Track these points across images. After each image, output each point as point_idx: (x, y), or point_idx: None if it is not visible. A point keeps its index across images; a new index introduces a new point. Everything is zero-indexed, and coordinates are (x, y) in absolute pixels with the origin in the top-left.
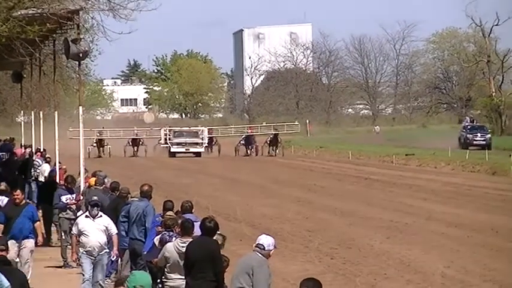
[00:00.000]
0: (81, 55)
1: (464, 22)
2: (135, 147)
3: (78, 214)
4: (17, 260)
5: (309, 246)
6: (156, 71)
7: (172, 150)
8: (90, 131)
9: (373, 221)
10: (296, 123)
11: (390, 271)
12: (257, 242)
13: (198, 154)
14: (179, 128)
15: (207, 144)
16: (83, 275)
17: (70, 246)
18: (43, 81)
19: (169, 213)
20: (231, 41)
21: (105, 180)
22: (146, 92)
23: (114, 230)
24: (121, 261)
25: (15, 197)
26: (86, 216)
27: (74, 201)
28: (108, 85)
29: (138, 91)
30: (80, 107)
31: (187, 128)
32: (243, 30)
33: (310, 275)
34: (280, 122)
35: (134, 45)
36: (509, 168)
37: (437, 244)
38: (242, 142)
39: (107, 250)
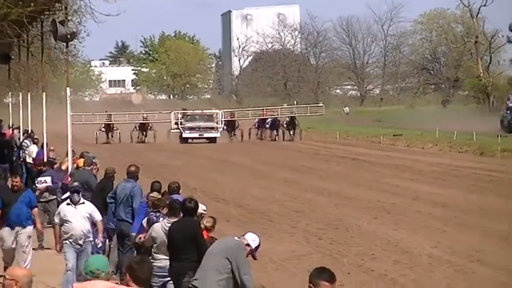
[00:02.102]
0: (68, 36)
1: (452, 3)
2: (144, 132)
3: (64, 197)
4: (14, 246)
5: (297, 226)
6: (144, 52)
7: (184, 135)
8: (92, 115)
9: (360, 202)
10: (321, 104)
11: (377, 251)
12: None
13: (212, 140)
14: (191, 111)
15: (227, 129)
16: (66, 264)
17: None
18: (31, 63)
19: (154, 193)
20: (219, 22)
21: (94, 161)
22: (134, 74)
23: (98, 216)
24: (109, 241)
25: (15, 183)
26: (68, 204)
27: (44, 185)
28: (96, 66)
29: (126, 72)
30: (68, 88)
31: (201, 111)
32: (231, 11)
33: (297, 255)
34: (293, 104)
35: (122, 26)
36: (496, 149)
37: (424, 224)
38: (255, 125)
39: (91, 239)
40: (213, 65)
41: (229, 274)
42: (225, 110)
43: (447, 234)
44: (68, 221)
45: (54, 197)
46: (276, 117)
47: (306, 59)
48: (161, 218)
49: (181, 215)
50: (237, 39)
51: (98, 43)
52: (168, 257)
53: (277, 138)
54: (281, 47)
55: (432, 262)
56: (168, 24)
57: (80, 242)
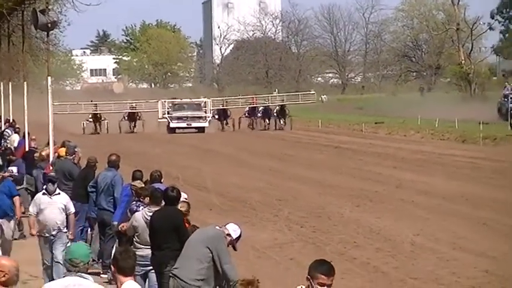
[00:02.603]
0: (49, 25)
1: None
2: (133, 122)
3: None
4: None
5: (279, 215)
6: (125, 41)
7: (172, 125)
8: (77, 105)
9: (343, 190)
10: (312, 92)
11: (360, 239)
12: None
13: (201, 129)
14: (179, 100)
15: (219, 118)
16: (43, 261)
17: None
18: (12, 52)
19: (136, 182)
20: (200, 11)
21: (76, 150)
22: (115, 63)
23: (71, 208)
24: (91, 230)
25: None
26: (43, 194)
27: (8, 173)
28: (77, 55)
29: (107, 61)
30: (49, 78)
31: (189, 100)
32: None
33: (280, 243)
34: (286, 92)
35: (103, 15)
36: (478, 136)
37: (407, 212)
38: (246, 114)
39: (66, 231)
40: (195, 53)
41: (209, 263)
42: (216, 99)
43: (430, 221)
44: (43, 211)
45: (21, 186)
46: (268, 106)
47: (287, 47)
48: (141, 207)
49: (164, 203)
50: (218, 27)
51: (79, 32)
52: (149, 246)
53: (268, 128)
54: (262, 35)
55: (415, 250)
56: (150, 13)
57: (53, 232)
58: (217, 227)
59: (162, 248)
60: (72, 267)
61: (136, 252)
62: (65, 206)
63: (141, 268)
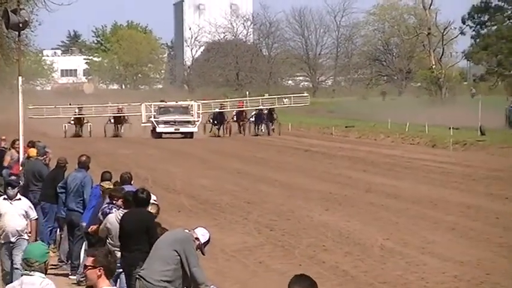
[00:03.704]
0: (21, 25)
1: None
2: (119, 125)
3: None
4: None
5: (248, 217)
6: (96, 42)
7: (158, 130)
8: (55, 109)
9: (312, 193)
10: (305, 94)
11: (329, 243)
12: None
13: (189, 135)
14: (165, 103)
15: (215, 122)
16: (1, 267)
17: None
18: None
19: (105, 183)
20: (171, 12)
21: (47, 150)
22: (86, 63)
23: (33, 214)
24: (60, 231)
25: None
26: (4, 199)
27: None
28: (48, 56)
29: (78, 62)
30: (20, 77)
31: (175, 103)
32: (183, 0)
33: (249, 246)
34: (280, 94)
35: (74, 15)
36: (448, 141)
37: (376, 216)
38: (233, 118)
39: (26, 237)
40: (165, 54)
41: (177, 265)
42: (215, 101)
43: (399, 225)
44: (2, 216)
45: None
46: (262, 110)
47: (258, 49)
48: (114, 209)
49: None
50: (190, 29)
51: (50, 32)
52: None
53: (261, 133)
54: (233, 37)
55: (384, 254)
56: (121, 13)
57: (13, 239)
58: (186, 230)
59: (132, 250)
60: (27, 267)
61: None
62: (26, 212)
63: None
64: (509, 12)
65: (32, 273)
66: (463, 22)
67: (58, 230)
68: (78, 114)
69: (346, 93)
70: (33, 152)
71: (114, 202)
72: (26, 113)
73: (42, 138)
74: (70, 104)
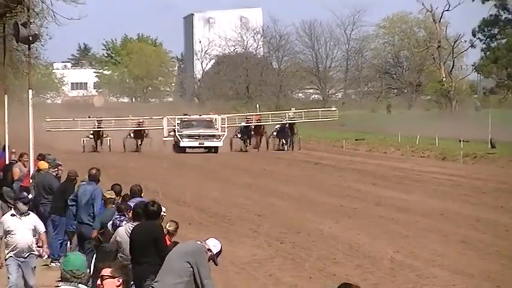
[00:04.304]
0: (31, 38)
1: (415, 7)
2: (139, 140)
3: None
4: None
5: (258, 230)
6: (106, 55)
7: (182, 144)
8: (73, 121)
9: (322, 206)
10: (333, 108)
11: (339, 256)
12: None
13: (214, 149)
14: (188, 117)
15: (243, 137)
16: (9, 278)
17: None
18: None
19: (107, 192)
20: (181, 25)
21: (57, 162)
22: (96, 76)
23: (42, 228)
24: (70, 244)
25: None
26: (12, 215)
27: None
28: (58, 69)
29: (88, 75)
30: (30, 91)
31: (198, 117)
32: (193, 14)
33: (259, 259)
34: (307, 108)
35: (84, 28)
36: (459, 154)
37: (386, 229)
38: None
39: (36, 252)
40: (175, 68)
41: (190, 277)
42: (242, 115)
43: (409, 239)
44: (12, 233)
45: None
46: (286, 124)
47: (268, 62)
48: (124, 222)
49: (144, 218)
50: (199, 42)
51: (60, 45)
52: None
53: (284, 148)
54: (243, 50)
55: (394, 267)
56: (131, 27)
57: (24, 255)
58: (198, 242)
59: (142, 263)
60: (74, 279)
61: None
62: (35, 226)
63: None
64: None
65: (79, 285)
66: (473, 35)
67: (68, 243)
68: (97, 128)
69: (356, 106)
70: (43, 164)
71: (125, 214)
72: (43, 126)
73: (59, 153)
74: (89, 117)
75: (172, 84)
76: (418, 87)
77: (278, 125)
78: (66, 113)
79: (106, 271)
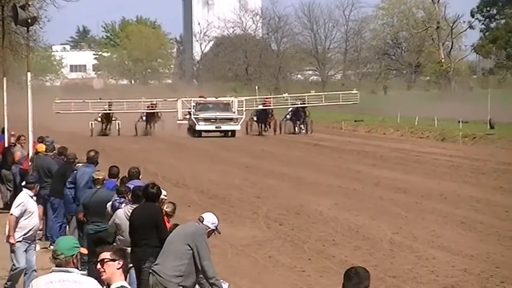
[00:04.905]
0: (29, 21)
1: None
2: (151, 123)
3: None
4: None
5: (258, 212)
6: (105, 37)
7: (198, 127)
8: (83, 103)
9: (321, 187)
10: (355, 91)
11: (338, 237)
12: (200, 215)
13: (231, 133)
14: (203, 99)
15: (258, 120)
16: (14, 264)
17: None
18: None
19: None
20: (180, 7)
21: (54, 145)
22: (95, 58)
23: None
24: (69, 227)
25: None
26: (31, 197)
27: None
28: (57, 51)
29: (87, 57)
30: (28, 73)
31: (214, 99)
32: None
33: (258, 241)
34: (320, 91)
35: (83, 11)
36: (458, 135)
37: (386, 210)
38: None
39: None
40: (174, 50)
41: (190, 259)
42: (255, 97)
43: (408, 220)
44: (32, 215)
45: None
46: (300, 107)
47: (267, 44)
48: (124, 204)
49: (144, 200)
50: (198, 24)
51: (59, 28)
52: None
53: (299, 131)
54: (242, 32)
55: (393, 248)
56: (129, 8)
57: (33, 238)
58: (196, 223)
59: (141, 245)
60: (53, 259)
61: None
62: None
63: None
64: None
65: (70, 269)
66: (472, 16)
67: (67, 225)
68: (108, 110)
69: (355, 87)
70: (41, 147)
71: (125, 197)
72: (53, 108)
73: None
74: (100, 99)
75: (171, 66)
76: (417, 68)
77: (291, 108)
78: (66, 96)
79: (105, 255)
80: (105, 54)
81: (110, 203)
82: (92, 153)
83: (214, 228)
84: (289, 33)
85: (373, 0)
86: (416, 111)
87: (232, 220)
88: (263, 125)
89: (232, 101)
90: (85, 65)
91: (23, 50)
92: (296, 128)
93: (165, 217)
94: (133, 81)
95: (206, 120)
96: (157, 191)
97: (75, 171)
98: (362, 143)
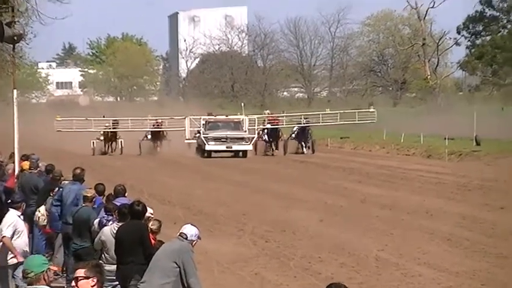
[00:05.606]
0: (15, 38)
1: (400, 4)
2: (158, 142)
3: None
4: None
5: (244, 229)
6: (91, 54)
7: (208, 147)
8: (86, 121)
9: (307, 204)
10: (372, 109)
11: (324, 254)
12: (180, 231)
13: (243, 153)
14: (213, 117)
15: (269, 140)
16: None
17: None
18: None
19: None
20: (166, 24)
21: (39, 163)
22: (81, 75)
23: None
24: (55, 244)
25: None
26: (18, 216)
27: None
28: (43, 68)
29: (73, 74)
30: (15, 90)
31: (224, 117)
32: (178, 12)
33: (244, 258)
34: (349, 109)
35: (69, 28)
36: (444, 151)
37: (372, 227)
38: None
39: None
40: (160, 66)
41: (176, 277)
42: (262, 116)
43: (394, 236)
44: (20, 234)
45: None
46: (306, 126)
47: (253, 60)
48: (111, 222)
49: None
50: (184, 40)
51: (45, 45)
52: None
53: (305, 151)
54: (228, 48)
55: (379, 265)
56: (116, 25)
57: (22, 260)
58: (181, 240)
59: (127, 262)
60: (24, 279)
61: (105, 267)
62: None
63: (109, 283)
64: (504, 21)
65: (38, 287)
66: (458, 32)
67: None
68: (112, 129)
69: (341, 104)
70: (26, 164)
71: (113, 214)
72: (53, 126)
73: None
74: (103, 117)
75: (158, 83)
76: (403, 85)
77: (296, 127)
78: (52, 113)
79: (80, 272)
80: (91, 71)
81: (97, 220)
82: (78, 171)
83: (197, 238)
84: (275, 50)
85: (359, 17)
86: (403, 128)
87: (218, 237)
88: (273, 145)
89: (243, 119)
90: (71, 82)
91: (8, 67)
92: (304, 148)
93: (150, 234)
94: (119, 98)
95: (216, 139)
96: (143, 208)
97: (61, 189)
98: (348, 160)
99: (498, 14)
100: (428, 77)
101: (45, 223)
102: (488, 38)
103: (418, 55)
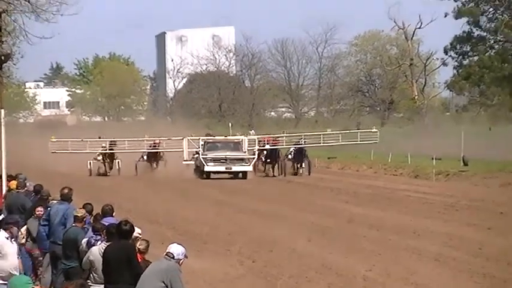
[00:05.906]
0: (3, 58)
1: (387, 25)
2: (155, 163)
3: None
4: None
5: (230, 249)
6: (78, 74)
7: (207, 169)
8: (81, 142)
9: (294, 224)
10: (374, 130)
11: (311, 274)
12: (167, 251)
13: (242, 175)
14: (212, 138)
15: (268, 161)
16: None
17: None
18: None
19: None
20: (153, 44)
21: (26, 183)
22: (69, 95)
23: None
24: (42, 264)
25: None
26: (6, 237)
27: None
28: (30, 88)
29: (60, 94)
30: (2, 110)
31: (223, 138)
32: (165, 32)
33: (231, 278)
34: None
35: (57, 48)
36: (431, 171)
37: (359, 247)
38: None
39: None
40: (148, 86)
41: None
42: (262, 136)
43: (382, 256)
44: (7, 256)
45: None
46: (303, 147)
47: (240, 80)
48: (99, 242)
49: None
50: (172, 60)
51: (32, 65)
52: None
53: (302, 172)
54: (216, 68)
55: (367, 285)
56: (103, 45)
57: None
58: (168, 260)
59: (115, 282)
60: None
61: (93, 287)
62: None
63: None
64: (492, 42)
65: None
66: (445, 53)
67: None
68: (109, 150)
69: (329, 124)
70: (13, 184)
71: (101, 234)
72: (43, 146)
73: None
74: (99, 138)
75: (145, 103)
76: (391, 105)
77: (293, 148)
78: (41, 132)
79: None
80: (78, 91)
81: (85, 240)
82: (66, 190)
83: (184, 257)
84: (263, 70)
85: (346, 37)
86: (390, 148)
87: (205, 257)
88: (274, 166)
89: (242, 140)
90: (58, 102)
91: None
92: (300, 169)
93: (138, 254)
94: (106, 118)
95: (215, 160)
96: (131, 228)
97: (49, 208)
98: (335, 180)
99: (485, 34)
100: (416, 97)
101: (23, 241)
102: (475, 58)
103: (405, 75)
